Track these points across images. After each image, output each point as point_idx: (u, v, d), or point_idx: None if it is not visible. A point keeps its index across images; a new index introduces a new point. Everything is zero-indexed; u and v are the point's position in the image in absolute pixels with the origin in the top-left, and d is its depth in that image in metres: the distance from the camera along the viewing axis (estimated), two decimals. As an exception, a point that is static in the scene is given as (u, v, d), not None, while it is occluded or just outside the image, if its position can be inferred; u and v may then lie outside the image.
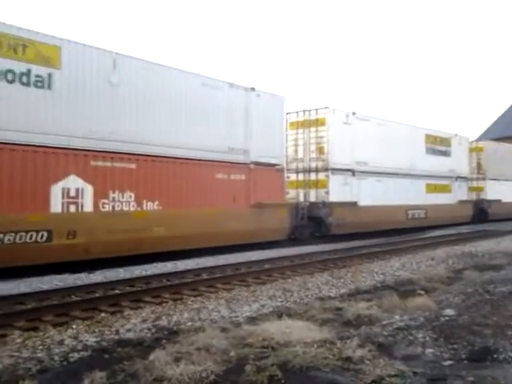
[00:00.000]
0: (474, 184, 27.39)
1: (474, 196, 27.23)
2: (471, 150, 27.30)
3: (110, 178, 11.38)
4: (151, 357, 4.71)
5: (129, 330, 6.15)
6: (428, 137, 23.39)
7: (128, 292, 8.39)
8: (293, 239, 16.66)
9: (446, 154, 24.41)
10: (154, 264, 11.78)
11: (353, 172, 18.84)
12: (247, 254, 13.85)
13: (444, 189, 24.22)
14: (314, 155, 18.46)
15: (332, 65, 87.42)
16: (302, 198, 18.41)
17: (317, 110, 18.54)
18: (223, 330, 5.79)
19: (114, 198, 11.40)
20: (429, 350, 4.75)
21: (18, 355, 5.19)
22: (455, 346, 4.83)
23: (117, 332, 6.09)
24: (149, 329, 6.23)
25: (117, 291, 8.57)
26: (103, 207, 11.20)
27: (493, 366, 4.33)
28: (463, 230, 22.67)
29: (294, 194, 18.61)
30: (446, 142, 24.52)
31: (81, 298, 7.92)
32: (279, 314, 6.64)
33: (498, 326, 5.41)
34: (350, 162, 18.67)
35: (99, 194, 11.12)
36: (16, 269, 9.70)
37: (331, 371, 4.18)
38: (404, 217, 21.16)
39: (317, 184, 18.25)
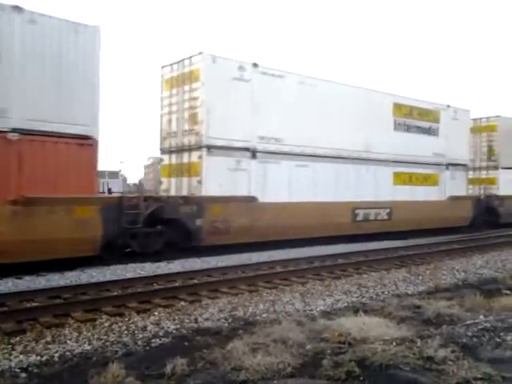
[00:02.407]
0: (483, 175, 21.22)
1: (480, 191, 20.92)
2: (478, 130, 21.10)
3: None
4: (229, 346, 4.84)
5: (207, 319, 6.34)
6: (398, 107, 16.88)
7: (206, 282, 8.63)
8: (125, 254, 11.47)
9: (429, 131, 17.99)
10: (230, 256, 12.05)
11: (252, 152, 13.22)
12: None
13: (426, 180, 17.95)
14: (186, 126, 12.99)
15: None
16: (173, 192, 13.26)
17: (190, 58, 12.90)
18: (299, 323, 5.81)
19: None
20: (519, 354, 4.49)
21: (106, 338, 5.54)
22: (549, 351, 4.54)
23: (195, 320, 6.30)
24: (226, 319, 6.38)
25: (195, 281, 8.84)
26: None
27: None
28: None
29: (166, 185, 13.70)
30: (430, 115, 18.06)
31: (162, 287, 8.26)
32: (355, 310, 6.58)
33: None
34: (247, 138, 13.08)
35: None
36: None
37: (412, 370, 4.08)
38: (349, 219, 15.29)
39: (189, 169, 12.84)
